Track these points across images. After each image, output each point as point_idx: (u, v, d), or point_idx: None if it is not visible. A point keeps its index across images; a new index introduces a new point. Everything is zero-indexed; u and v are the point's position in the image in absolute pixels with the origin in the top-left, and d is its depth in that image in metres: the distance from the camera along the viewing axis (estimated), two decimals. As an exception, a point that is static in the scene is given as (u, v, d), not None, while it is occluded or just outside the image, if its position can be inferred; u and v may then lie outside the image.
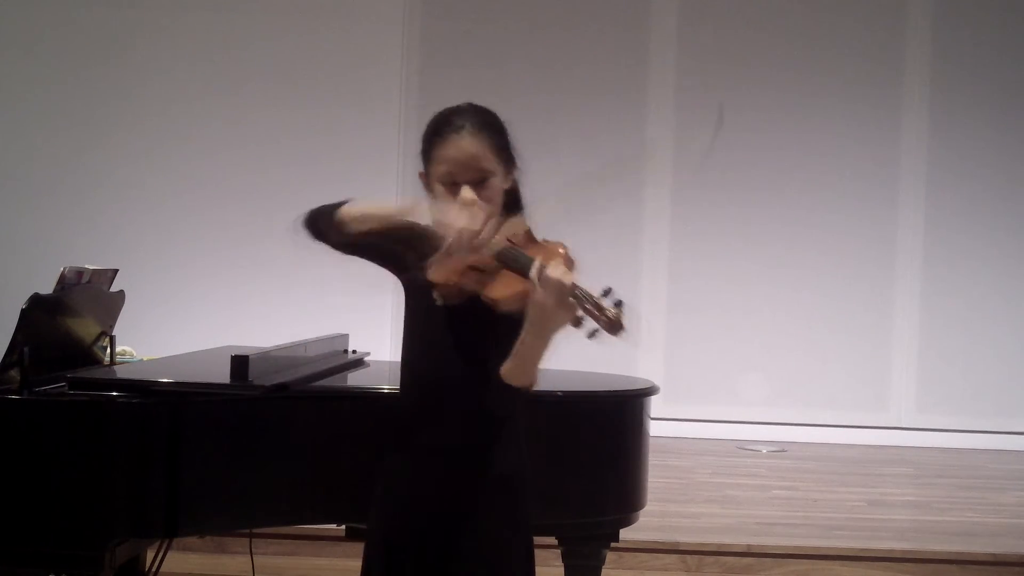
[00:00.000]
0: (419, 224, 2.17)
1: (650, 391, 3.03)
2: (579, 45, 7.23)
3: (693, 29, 7.28)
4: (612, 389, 3.03)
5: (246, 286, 6.92)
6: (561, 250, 2.05)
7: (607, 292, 1.94)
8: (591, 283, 1.97)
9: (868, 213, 7.25)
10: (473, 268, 2.08)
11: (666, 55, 7.28)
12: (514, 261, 2.05)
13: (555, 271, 1.95)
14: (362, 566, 2.29)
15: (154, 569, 3.23)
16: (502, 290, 2.04)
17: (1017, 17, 7.24)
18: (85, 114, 7.11)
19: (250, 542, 3.33)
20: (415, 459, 2.21)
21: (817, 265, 7.23)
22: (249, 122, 7.12)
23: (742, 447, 6.80)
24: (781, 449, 6.77)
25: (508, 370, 2.08)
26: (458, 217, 2.06)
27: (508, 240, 2.11)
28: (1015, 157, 7.23)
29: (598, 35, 7.26)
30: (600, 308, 1.92)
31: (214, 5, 7.15)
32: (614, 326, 1.91)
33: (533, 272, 1.97)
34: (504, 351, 2.10)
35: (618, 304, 1.92)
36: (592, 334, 1.94)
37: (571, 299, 1.94)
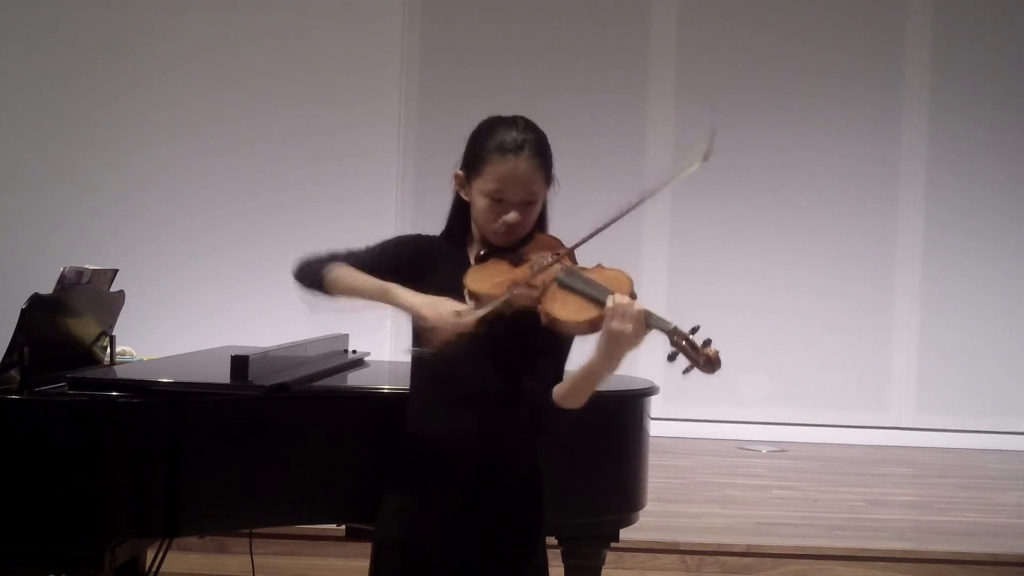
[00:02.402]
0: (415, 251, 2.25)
1: (650, 391, 3.02)
2: (579, 45, 7.23)
3: (693, 29, 7.28)
4: (612, 389, 3.02)
5: (246, 286, 6.92)
6: (625, 279, 2.07)
7: (695, 330, 1.97)
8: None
9: (868, 213, 7.25)
10: (527, 285, 2.07)
11: (666, 55, 7.28)
12: (580, 285, 2.06)
13: (630, 304, 1.97)
14: (370, 568, 2.28)
15: (154, 569, 3.23)
16: (571, 313, 2.03)
17: (1017, 17, 7.24)
18: (85, 114, 7.11)
19: (250, 542, 3.33)
20: (434, 464, 2.20)
21: (817, 265, 7.23)
22: (249, 122, 7.12)
23: (742, 447, 6.80)
24: (781, 449, 6.77)
25: (564, 394, 2.09)
26: (436, 316, 2.06)
27: (561, 261, 2.11)
28: (1015, 157, 7.23)
29: (598, 35, 7.26)
30: (694, 346, 1.94)
31: (214, 5, 7.15)
32: (712, 364, 1.94)
33: (612, 304, 1.98)
34: (538, 364, 2.11)
35: (708, 342, 1.95)
36: (687, 370, 1.97)
37: (646, 329, 1.97)
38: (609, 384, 3.03)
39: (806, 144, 7.25)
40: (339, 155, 7.11)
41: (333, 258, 2.26)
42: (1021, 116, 7.22)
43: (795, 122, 7.24)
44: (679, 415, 6.79)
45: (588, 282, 2.06)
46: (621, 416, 2.95)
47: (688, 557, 4.23)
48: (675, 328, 1.97)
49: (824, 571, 4.24)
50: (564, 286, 2.07)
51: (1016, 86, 7.22)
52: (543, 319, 2.05)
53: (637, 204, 2.12)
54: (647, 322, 1.97)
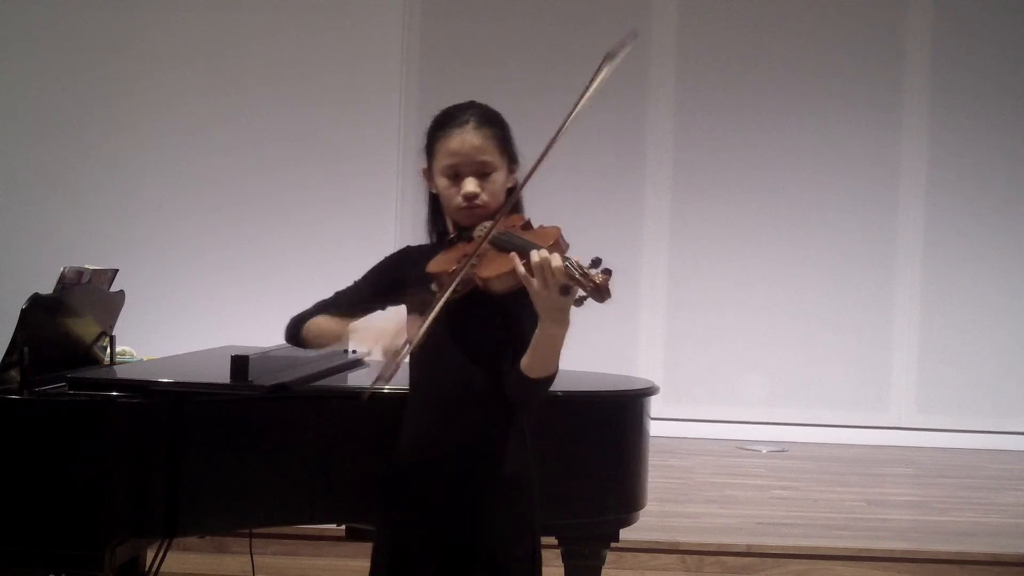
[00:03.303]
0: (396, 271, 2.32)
1: (650, 391, 3.02)
2: (579, 45, 7.22)
3: (693, 29, 7.28)
4: (612, 389, 3.02)
5: (246, 286, 6.92)
6: (554, 232, 2.08)
7: (597, 262, 1.96)
8: (584, 254, 2.01)
9: (868, 213, 7.25)
10: (468, 256, 2.11)
11: (666, 55, 7.28)
12: (506, 243, 2.09)
13: (537, 254, 1.97)
14: (371, 566, 2.29)
15: (154, 569, 3.23)
16: (494, 268, 2.07)
17: (1017, 17, 7.24)
18: (85, 114, 7.11)
19: (250, 542, 3.32)
20: (422, 459, 2.22)
21: (817, 265, 7.23)
22: (249, 122, 7.12)
23: (742, 447, 6.80)
24: (781, 449, 6.77)
25: (528, 363, 2.09)
26: (382, 337, 2.12)
27: (496, 225, 2.14)
28: (1015, 157, 7.23)
29: (598, 35, 7.23)
30: (586, 275, 1.95)
31: (214, 5, 7.15)
32: (600, 292, 1.94)
33: (520, 260, 1.99)
34: (514, 349, 2.11)
35: (606, 272, 1.94)
36: (580, 301, 1.97)
37: (558, 274, 1.95)
38: (609, 384, 3.06)
39: (806, 144, 7.25)
40: (339, 155, 7.11)
41: (317, 308, 2.38)
42: (1021, 116, 7.22)
43: (795, 122, 7.24)
44: (679, 415, 6.80)
45: (514, 239, 2.09)
46: (621, 416, 2.94)
47: (688, 557, 4.23)
48: (571, 260, 1.97)
49: (824, 571, 4.24)
50: (496, 247, 2.11)
51: (1016, 86, 7.22)
52: (479, 284, 2.08)
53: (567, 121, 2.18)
54: (552, 261, 1.96)
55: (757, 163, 7.24)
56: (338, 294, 2.41)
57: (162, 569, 3.23)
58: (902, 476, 6.23)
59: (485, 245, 2.11)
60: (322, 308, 2.39)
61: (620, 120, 7.16)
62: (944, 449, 6.89)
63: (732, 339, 7.20)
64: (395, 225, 6.93)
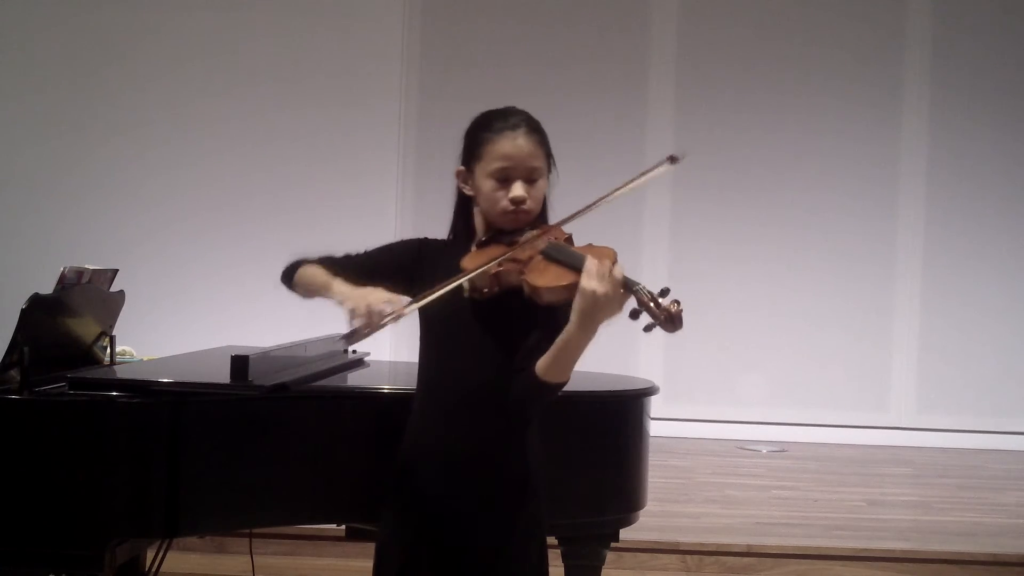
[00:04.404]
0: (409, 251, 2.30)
1: (650, 391, 3.03)
2: (579, 45, 7.23)
3: (693, 29, 7.28)
4: (612, 389, 3.02)
5: (246, 286, 6.91)
6: (610, 252, 2.09)
7: (665, 292, 1.99)
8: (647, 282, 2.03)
9: (868, 213, 7.25)
10: (513, 260, 2.11)
11: (666, 55, 7.28)
12: (563, 255, 2.09)
13: (607, 265, 1.99)
14: (374, 565, 2.29)
15: (154, 569, 3.23)
16: (549, 279, 2.06)
17: (1017, 17, 7.24)
18: (85, 114, 7.11)
19: (250, 542, 3.33)
20: (432, 460, 2.21)
21: (817, 265, 7.23)
22: (249, 122, 7.12)
23: (742, 447, 6.80)
24: (781, 449, 6.77)
25: (545, 366, 2.08)
26: (362, 302, 2.07)
27: (548, 236, 2.15)
28: (1015, 157, 7.23)
29: (598, 35, 7.26)
30: (657, 303, 1.96)
31: (214, 5, 7.15)
32: (673, 322, 1.96)
33: (589, 264, 1.99)
34: (541, 351, 2.10)
35: (676, 302, 1.97)
36: (648, 328, 1.99)
37: (623, 292, 1.98)
38: (609, 384, 3.06)
39: (806, 144, 7.25)
40: (339, 155, 7.11)
41: (320, 260, 2.34)
42: (1021, 116, 7.22)
43: (795, 122, 7.24)
44: (679, 415, 6.80)
45: (570, 252, 2.10)
46: (621, 416, 2.95)
47: (688, 557, 4.23)
48: (641, 286, 1.99)
49: (824, 571, 4.24)
50: (548, 257, 2.11)
51: (1016, 86, 7.22)
52: (526, 289, 2.08)
53: (611, 194, 2.18)
54: (623, 284, 1.99)
55: (757, 163, 7.24)
56: (347, 255, 2.35)
57: (162, 569, 3.23)
58: (902, 476, 6.23)
59: (534, 253, 2.10)
60: (325, 261, 2.33)
61: (620, 120, 7.16)
62: (944, 449, 6.90)
63: (732, 339, 7.20)
64: (395, 225, 6.93)
